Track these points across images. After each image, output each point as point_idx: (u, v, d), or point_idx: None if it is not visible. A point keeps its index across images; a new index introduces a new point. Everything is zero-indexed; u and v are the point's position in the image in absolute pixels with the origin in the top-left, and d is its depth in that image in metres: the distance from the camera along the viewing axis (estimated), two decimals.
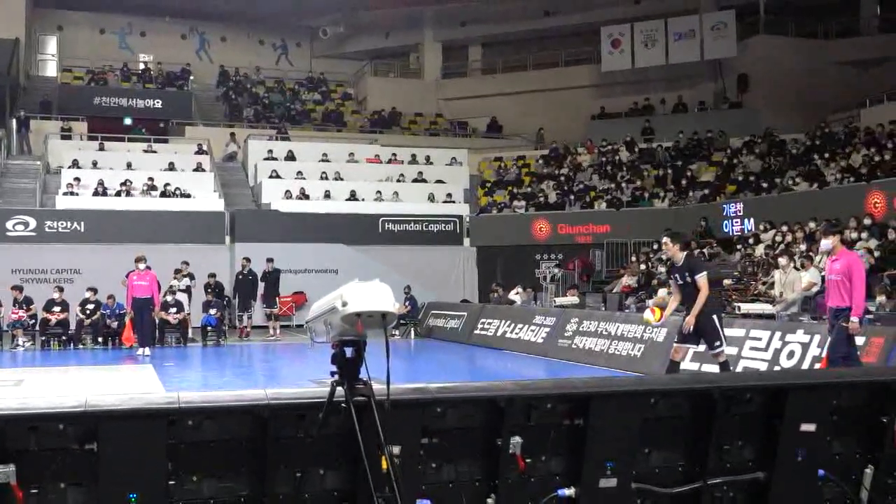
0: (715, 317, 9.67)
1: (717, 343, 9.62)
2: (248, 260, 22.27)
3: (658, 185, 27.70)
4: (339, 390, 3.97)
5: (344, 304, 3.75)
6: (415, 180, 30.06)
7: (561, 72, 36.49)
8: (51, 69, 36.51)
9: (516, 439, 4.39)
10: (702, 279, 9.54)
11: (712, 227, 23.45)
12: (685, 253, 9.85)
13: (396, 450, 3.98)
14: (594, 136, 32.51)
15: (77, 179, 26.38)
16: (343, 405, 3.95)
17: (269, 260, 22.53)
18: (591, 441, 4.51)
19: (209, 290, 21.27)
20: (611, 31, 34.22)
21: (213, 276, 21.85)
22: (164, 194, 26.61)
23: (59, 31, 36.67)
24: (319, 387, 4.22)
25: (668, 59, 33.47)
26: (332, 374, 4.00)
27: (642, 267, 21.36)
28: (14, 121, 29.70)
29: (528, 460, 4.47)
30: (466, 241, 27.49)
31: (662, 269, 20.50)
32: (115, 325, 19.52)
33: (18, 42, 32.21)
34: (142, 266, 17.93)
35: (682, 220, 24.40)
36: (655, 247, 22.50)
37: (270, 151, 30.26)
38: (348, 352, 3.96)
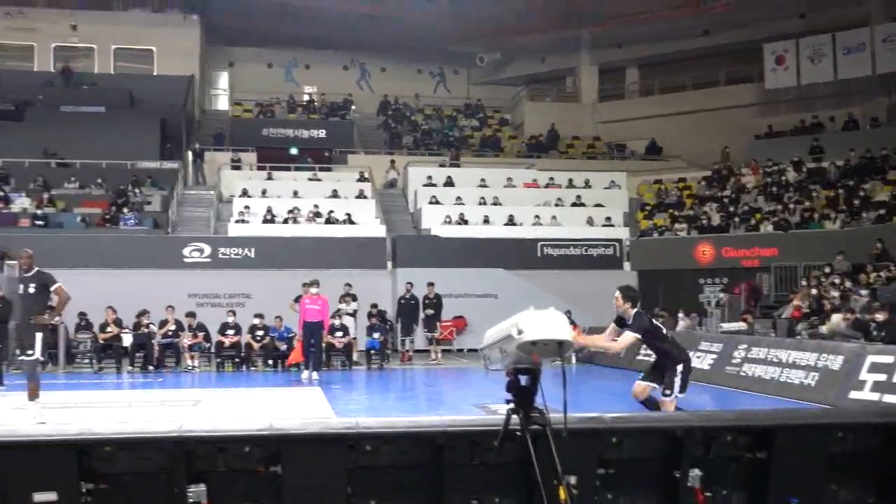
0: (680, 367, 9.05)
1: (668, 392, 9.02)
2: (410, 284, 22.60)
3: (829, 206, 26.50)
4: (514, 418, 3.96)
5: (520, 333, 3.73)
6: (573, 204, 29.91)
7: (721, 91, 35.69)
8: (223, 103, 38.51)
9: (695, 472, 4.27)
10: (626, 337, 8.85)
11: (889, 249, 22.23)
12: (635, 311, 9.28)
13: (573, 480, 3.94)
14: (757, 156, 31.48)
15: (247, 207, 27.61)
16: (518, 433, 3.94)
17: (430, 284, 22.75)
18: (774, 475, 4.33)
19: (372, 316, 21.71)
20: (774, 48, 33.15)
21: (374, 306, 22.21)
22: (328, 221, 27.47)
23: (230, 66, 38.59)
24: (485, 413, 4.22)
25: (837, 75, 32.09)
26: (507, 401, 4.00)
27: (813, 291, 20.46)
28: (190, 153, 31.45)
29: (707, 494, 4.34)
30: (626, 265, 27.11)
31: (835, 293, 19.62)
32: (283, 347, 20.19)
33: (193, 79, 34.24)
34: (314, 290, 18.18)
35: (856, 242, 23.22)
36: (827, 270, 21.55)
37: (430, 178, 30.73)
38: (523, 380, 3.94)
